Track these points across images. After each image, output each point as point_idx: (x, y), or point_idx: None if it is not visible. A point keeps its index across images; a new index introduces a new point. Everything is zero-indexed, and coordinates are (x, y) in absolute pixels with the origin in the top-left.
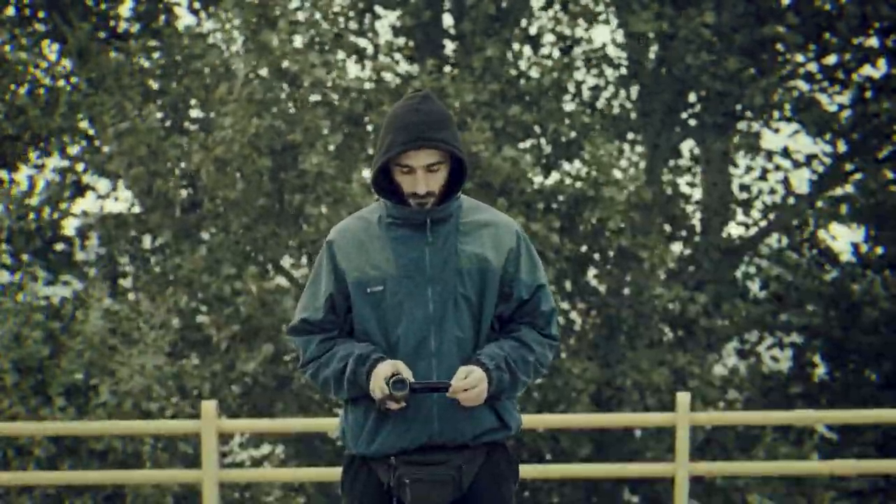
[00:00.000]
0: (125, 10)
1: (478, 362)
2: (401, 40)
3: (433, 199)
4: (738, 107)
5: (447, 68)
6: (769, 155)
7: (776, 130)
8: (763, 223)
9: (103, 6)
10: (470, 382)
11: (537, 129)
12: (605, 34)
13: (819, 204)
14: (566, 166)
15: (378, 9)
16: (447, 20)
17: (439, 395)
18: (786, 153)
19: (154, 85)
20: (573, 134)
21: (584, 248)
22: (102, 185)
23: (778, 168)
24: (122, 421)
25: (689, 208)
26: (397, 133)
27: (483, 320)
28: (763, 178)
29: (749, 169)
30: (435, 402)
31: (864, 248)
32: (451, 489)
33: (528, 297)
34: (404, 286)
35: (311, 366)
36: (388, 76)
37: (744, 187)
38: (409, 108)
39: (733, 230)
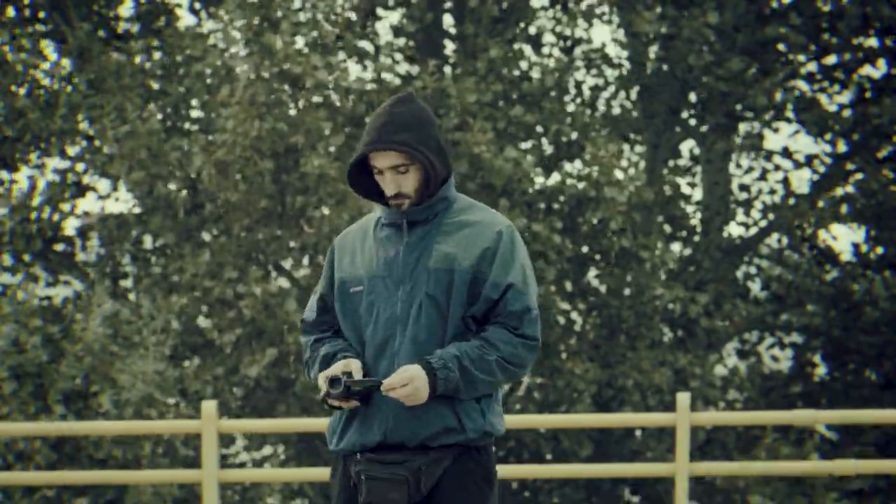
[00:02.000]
0: (125, 10)
1: (421, 360)
2: (401, 41)
3: (409, 200)
4: (740, 107)
5: (447, 69)
6: (769, 155)
7: (776, 130)
8: (763, 223)
9: (103, 6)
10: (398, 380)
11: (539, 129)
12: (605, 34)
13: (819, 204)
14: (567, 167)
15: (379, 10)
16: (448, 20)
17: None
18: (786, 153)
19: (155, 86)
20: (574, 134)
21: (584, 249)
22: (103, 185)
23: (778, 168)
24: (124, 422)
25: (690, 208)
26: (366, 134)
27: (450, 321)
28: (763, 178)
29: (749, 169)
30: (390, 401)
31: (864, 248)
32: (405, 490)
33: (497, 296)
34: (378, 286)
35: (306, 367)
36: (389, 77)
37: (744, 187)
38: (382, 110)
39: (734, 230)
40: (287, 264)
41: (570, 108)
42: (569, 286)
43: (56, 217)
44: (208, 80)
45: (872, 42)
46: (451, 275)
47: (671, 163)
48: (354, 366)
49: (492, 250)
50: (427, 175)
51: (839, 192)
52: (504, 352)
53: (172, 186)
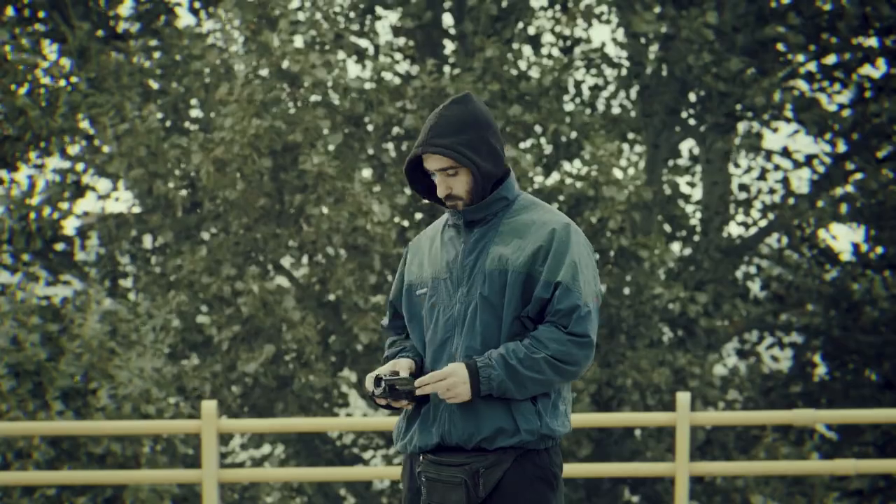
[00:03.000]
0: (125, 9)
1: (467, 360)
2: (401, 40)
3: (462, 201)
4: (739, 107)
5: (447, 68)
6: (769, 155)
7: (776, 130)
8: (763, 223)
9: (103, 5)
10: (431, 377)
11: (538, 128)
12: (604, 34)
13: (819, 204)
14: (566, 166)
15: (378, 9)
16: (447, 20)
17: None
18: (786, 153)
19: (154, 85)
20: (573, 134)
21: None
22: (103, 185)
23: (778, 168)
24: (123, 421)
25: (690, 208)
26: (419, 136)
27: (504, 321)
28: (763, 177)
29: (749, 169)
30: (445, 402)
31: (864, 248)
32: (463, 492)
33: (547, 296)
34: (440, 288)
35: None
36: (388, 76)
37: (743, 187)
38: (435, 111)
39: (733, 230)
40: (285, 262)
41: (569, 107)
42: None
43: (56, 216)
44: (207, 79)
45: (872, 42)
46: (505, 276)
47: (671, 162)
48: (402, 365)
49: (544, 249)
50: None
51: (838, 191)
52: (553, 349)
53: (171, 185)
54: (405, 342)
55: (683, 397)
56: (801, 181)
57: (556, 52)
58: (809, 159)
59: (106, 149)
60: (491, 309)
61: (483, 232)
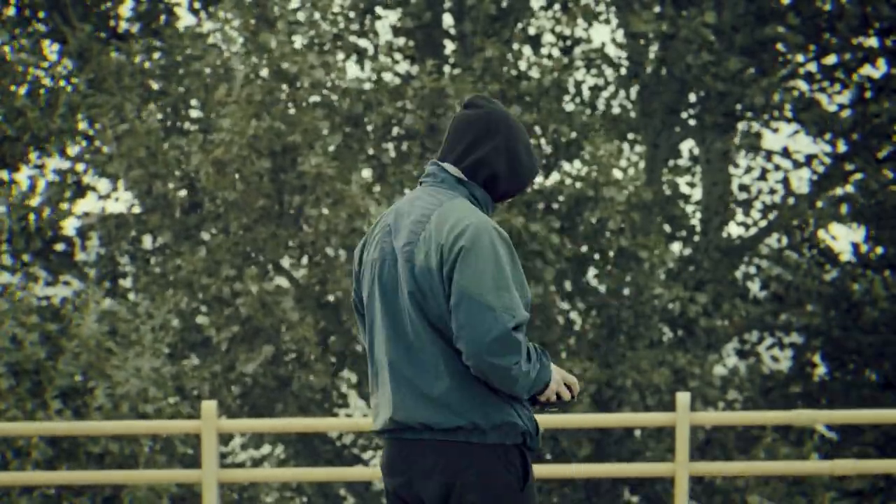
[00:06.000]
0: (125, 10)
1: None
2: (401, 40)
3: None
4: (739, 107)
5: (447, 68)
6: (769, 155)
7: (776, 130)
8: (763, 223)
9: (103, 6)
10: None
11: (537, 129)
12: (604, 34)
13: (819, 204)
14: (566, 166)
15: (378, 9)
16: (447, 20)
17: None
18: (786, 153)
19: (154, 86)
20: (573, 134)
21: (584, 249)
22: (103, 185)
23: (778, 168)
24: (123, 421)
25: (689, 208)
26: (531, 155)
27: None
28: (763, 178)
29: (749, 169)
30: None
31: (864, 248)
32: None
33: None
34: None
35: (533, 363)
36: (387, 76)
37: (744, 187)
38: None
39: (733, 230)
40: (285, 263)
41: (569, 107)
42: (568, 286)
43: (56, 217)
44: (206, 80)
45: (872, 42)
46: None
47: (671, 162)
48: None
49: None
50: None
51: (839, 192)
52: None
53: (171, 185)
54: None
55: (683, 397)
56: (801, 181)
57: (555, 52)
58: (809, 159)
59: (106, 149)
60: None
61: None
